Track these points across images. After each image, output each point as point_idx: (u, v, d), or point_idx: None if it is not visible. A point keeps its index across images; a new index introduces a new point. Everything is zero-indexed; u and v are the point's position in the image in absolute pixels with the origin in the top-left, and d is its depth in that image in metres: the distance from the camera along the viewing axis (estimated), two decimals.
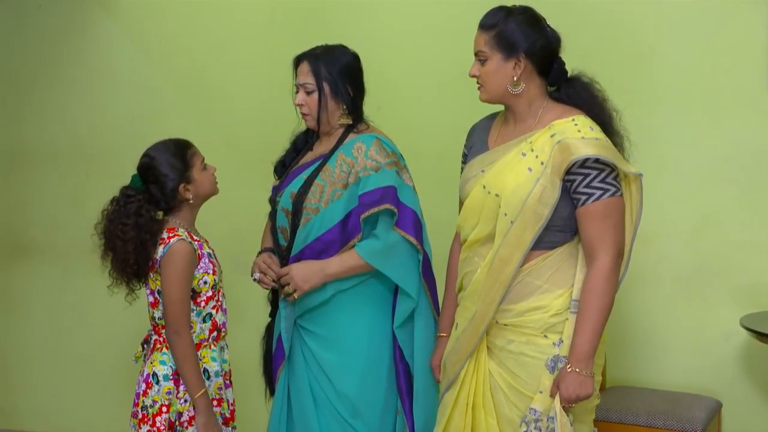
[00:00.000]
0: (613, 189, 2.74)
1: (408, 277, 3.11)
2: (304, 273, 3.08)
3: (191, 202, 3.10)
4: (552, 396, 2.74)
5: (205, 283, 3.09)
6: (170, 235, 3.05)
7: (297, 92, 3.18)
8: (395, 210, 3.06)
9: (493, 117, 3.03)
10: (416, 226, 3.09)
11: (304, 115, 3.19)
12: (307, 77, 3.14)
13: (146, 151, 3.11)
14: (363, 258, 3.07)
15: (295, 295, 3.10)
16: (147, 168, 3.08)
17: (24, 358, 4.87)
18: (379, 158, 3.09)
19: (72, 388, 4.78)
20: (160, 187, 3.07)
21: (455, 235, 3.07)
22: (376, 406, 3.13)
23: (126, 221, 3.01)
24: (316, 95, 3.13)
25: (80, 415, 4.77)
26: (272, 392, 3.30)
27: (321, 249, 3.11)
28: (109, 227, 3.04)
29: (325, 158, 3.16)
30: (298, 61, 3.19)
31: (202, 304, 3.09)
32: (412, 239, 3.08)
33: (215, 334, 3.12)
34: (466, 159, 3.02)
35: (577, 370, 2.70)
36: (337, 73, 3.13)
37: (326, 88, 3.13)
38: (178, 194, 3.08)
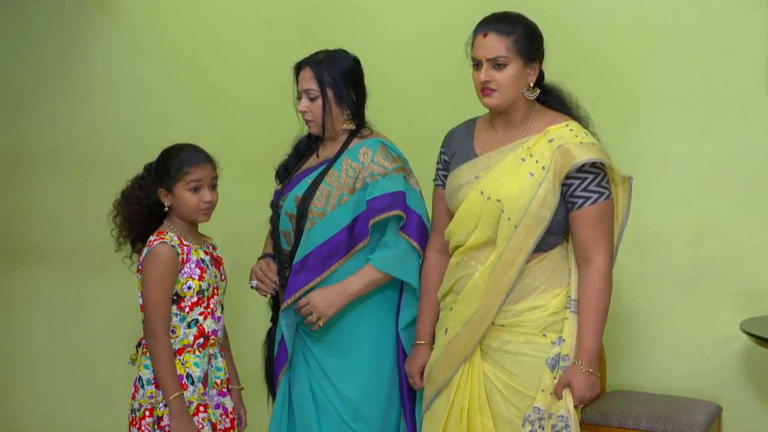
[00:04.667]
0: (607, 192, 2.80)
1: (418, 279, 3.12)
2: (326, 299, 3.07)
3: (165, 209, 3.11)
4: (556, 394, 2.76)
5: (189, 288, 3.07)
6: (156, 237, 3.07)
7: (299, 99, 3.17)
8: (404, 216, 3.07)
9: (471, 122, 3.02)
10: (420, 231, 3.10)
11: (307, 121, 3.17)
12: (311, 83, 3.13)
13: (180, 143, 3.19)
14: (381, 270, 3.07)
15: (320, 323, 3.08)
16: (160, 154, 3.16)
17: (24, 362, 4.87)
18: (386, 163, 3.09)
19: (72, 392, 4.78)
20: (151, 174, 3.14)
21: (429, 242, 3.08)
22: (378, 409, 3.13)
23: (131, 185, 3.16)
24: (319, 101, 3.13)
25: (81, 419, 4.77)
26: (273, 396, 3.29)
27: (328, 253, 3.10)
28: (122, 191, 3.18)
29: (330, 163, 3.16)
30: (299, 67, 3.18)
31: (186, 309, 3.08)
32: (414, 243, 3.08)
33: (201, 340, 3.10)
34: (447, 166, 3.01)
35: (590, 370, 2.74)
36: (339, 78, 3.12)
37: (330, 93, 3.12)
38: (158, 195, 3.11)
